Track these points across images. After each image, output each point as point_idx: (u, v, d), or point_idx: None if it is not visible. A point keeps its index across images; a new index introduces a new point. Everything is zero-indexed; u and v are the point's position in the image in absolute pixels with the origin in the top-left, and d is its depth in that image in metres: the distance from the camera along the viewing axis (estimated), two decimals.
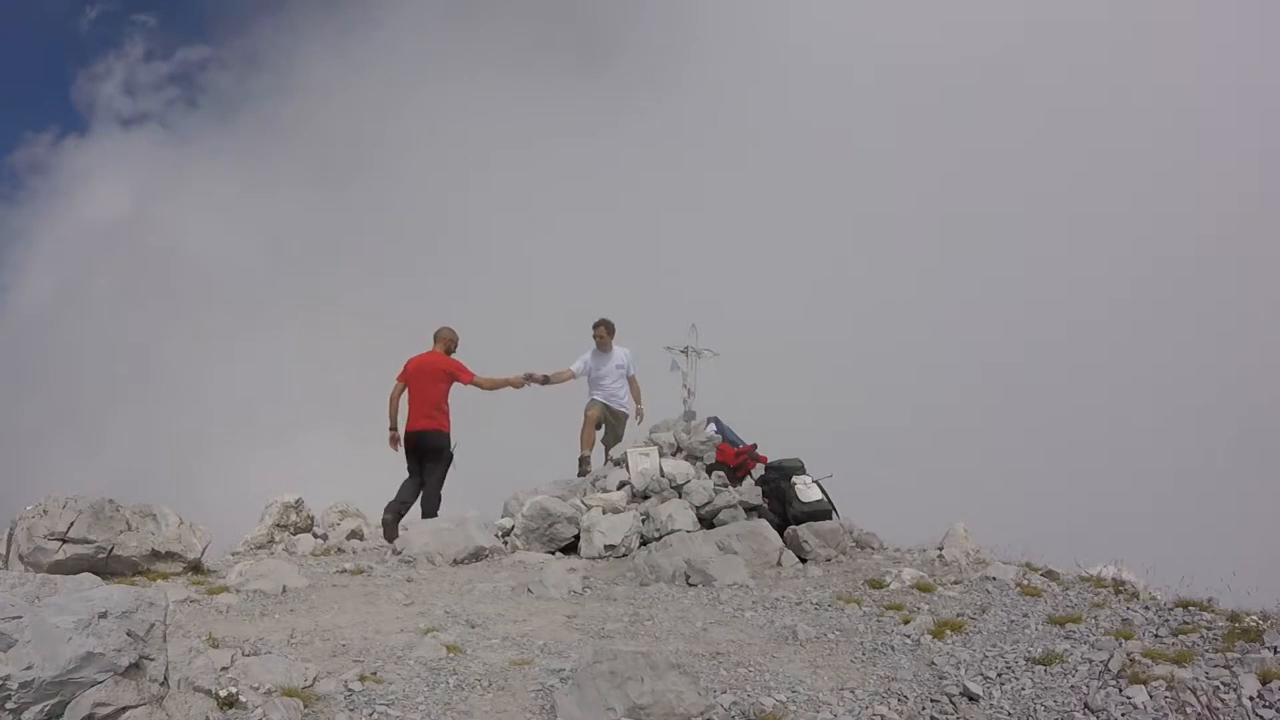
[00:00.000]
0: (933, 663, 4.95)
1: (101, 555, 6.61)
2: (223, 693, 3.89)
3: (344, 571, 7.18)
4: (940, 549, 7.64)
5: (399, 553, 7.68)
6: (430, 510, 8.82)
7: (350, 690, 4.26)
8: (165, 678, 3.65)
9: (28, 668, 3.17)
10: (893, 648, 5.25)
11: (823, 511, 8.08)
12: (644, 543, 7.86)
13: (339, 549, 8.48)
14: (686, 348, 9.95)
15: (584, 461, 9.89)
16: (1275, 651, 4.59)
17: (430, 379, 9.08)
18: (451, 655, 4.87)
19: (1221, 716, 3.99)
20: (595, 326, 10.16)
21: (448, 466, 9.08)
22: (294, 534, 9.26)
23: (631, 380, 10.29)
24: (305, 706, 4.02)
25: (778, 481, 8.40)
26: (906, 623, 5.65)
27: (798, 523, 7.91)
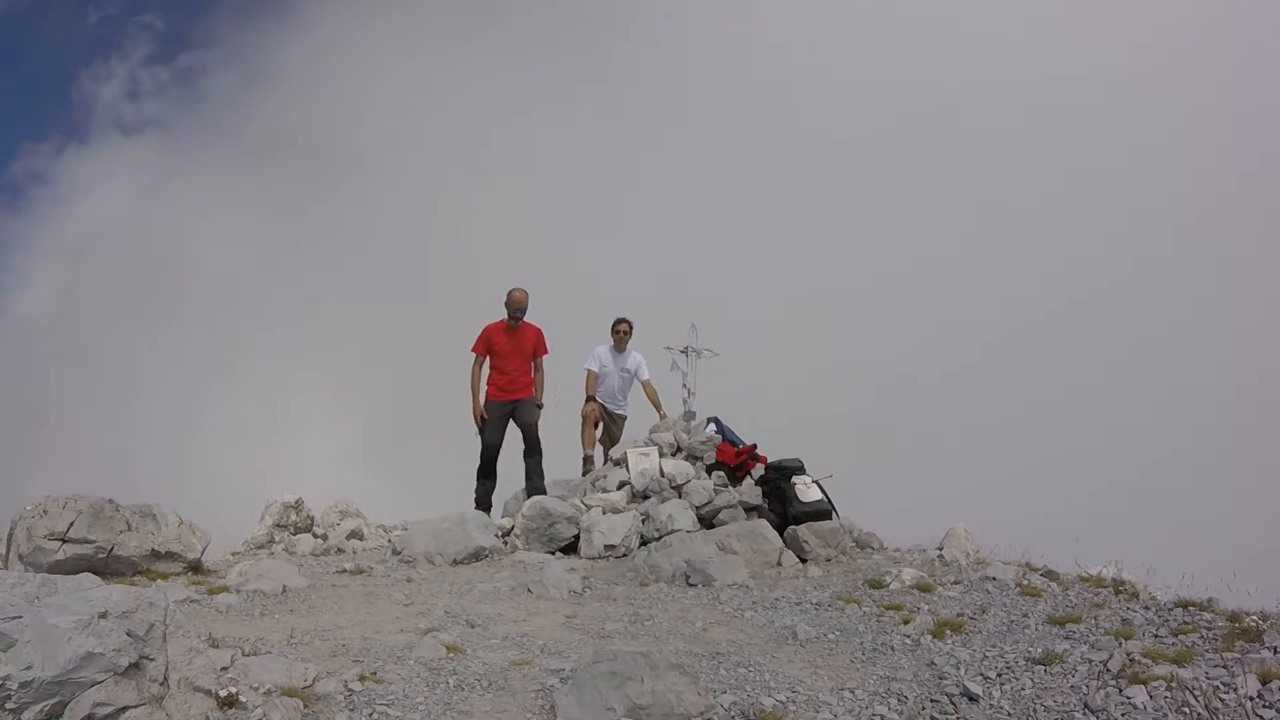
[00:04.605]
0: (933, 663, 4.95)
1: (101, 555, 6.61)
2: (223, 693, 3.89)
3: (344, 571, 7.18)
4: (940, 549, 7.65)
5: (399, 552, 7.69)
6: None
7: (350, 690, 4.26)
8: (165, 678, 3.65)
9: (28, 668, 3.17)
10: (893, 648, 5.25)
11: (823, 511, 8.07)
12: (644, 543, 7.86)
13: (339, 549, 8.48)
14: (686, 348, 9.94)
15: (588, 461, 9.90)
16: (1275, 651, 4.59)
17: None
18: (451, 655, 4.87)
19: (1221, 716, 3.98)
20: (619, 323, 10.01)
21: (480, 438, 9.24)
22: (294, 534, 9.25)
23: (646, 385, 10.15)
24: (305, 706, 4.02)
25: (778, 481, 8.40)
26: (906, 623, 5.65)
27: (798, 523, 7.90)
